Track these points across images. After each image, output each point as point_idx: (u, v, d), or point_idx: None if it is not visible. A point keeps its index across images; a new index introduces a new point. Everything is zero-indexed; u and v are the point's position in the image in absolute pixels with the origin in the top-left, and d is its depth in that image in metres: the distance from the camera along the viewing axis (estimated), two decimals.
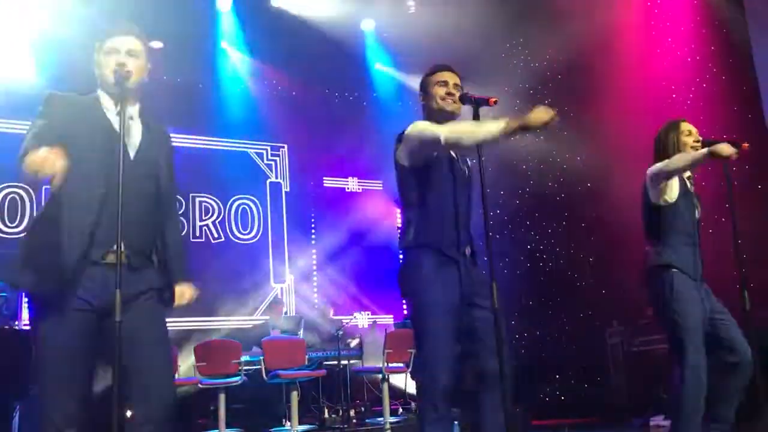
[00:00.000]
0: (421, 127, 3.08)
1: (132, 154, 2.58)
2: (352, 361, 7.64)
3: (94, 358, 2.50)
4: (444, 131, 2.94)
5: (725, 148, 3.53)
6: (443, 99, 3.18)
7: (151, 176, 2.61)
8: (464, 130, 2.91)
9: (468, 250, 3.12)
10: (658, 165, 3.70)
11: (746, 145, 3.76)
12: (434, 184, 3.11)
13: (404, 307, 9.27)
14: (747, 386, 3.63)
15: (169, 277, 2.68)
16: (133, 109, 2.65)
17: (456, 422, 3.71)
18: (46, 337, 2.45)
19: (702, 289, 3.69)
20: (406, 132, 3.12)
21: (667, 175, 3.65)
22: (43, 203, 2.61)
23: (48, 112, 2.55)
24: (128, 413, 2.50)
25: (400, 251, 3.20)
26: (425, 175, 3.11)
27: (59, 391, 2.40)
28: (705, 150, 3.58)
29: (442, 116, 3.20)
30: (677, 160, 3.63)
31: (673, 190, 3.68)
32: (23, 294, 2.48)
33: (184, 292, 2.78)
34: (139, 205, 2.53)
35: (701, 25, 8.22)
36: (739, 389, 3.62)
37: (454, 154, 3.18)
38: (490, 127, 2.82)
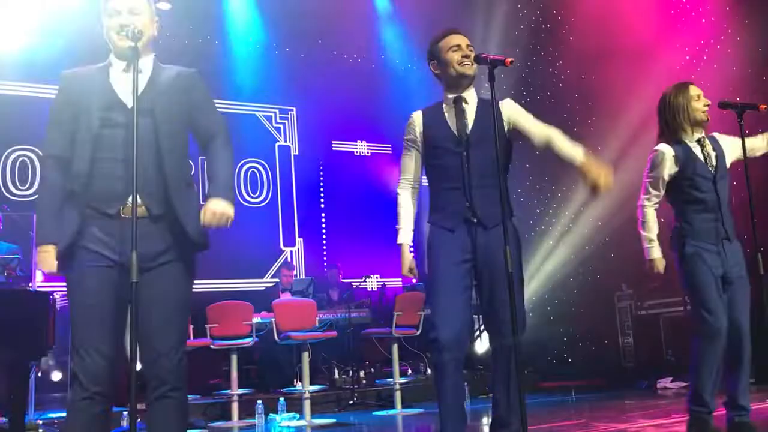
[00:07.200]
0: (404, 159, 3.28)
1: (130, 105, 2.50)
2: (361, 323, 7.69)
3: (123, 315, 2.50)
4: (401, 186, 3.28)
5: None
6: (461, 64, 3.13)
7: (147, 125, 2.52)
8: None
9: (474, 219, 3.08)
10: (643, 199, 3.76)
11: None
12: (439, 158, 3.16)
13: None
14: (740, 360, 3.53)
15: (189, 232, 2.54)
16: (143, 62, 2.60)
17: (465, 383, 3.79)
18: (73, 297, 2.49)
19: (724, 251, 3.58)
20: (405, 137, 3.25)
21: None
22: None
23: (61, 94, 2.60)
24: None
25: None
26: (431, 153, 3.18)
27: (87, 350, 2.42)
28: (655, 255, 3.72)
29: (462, 81, 3.18)
30: (645, 227, 3.75)
31: (669, 168, 3.65)
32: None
33: (215, 208, 2.51)
34: (145, 156, 2.49)
35: None
36: (732, 360, 3.53)
37: (456, 131, 3.15)
38: None
